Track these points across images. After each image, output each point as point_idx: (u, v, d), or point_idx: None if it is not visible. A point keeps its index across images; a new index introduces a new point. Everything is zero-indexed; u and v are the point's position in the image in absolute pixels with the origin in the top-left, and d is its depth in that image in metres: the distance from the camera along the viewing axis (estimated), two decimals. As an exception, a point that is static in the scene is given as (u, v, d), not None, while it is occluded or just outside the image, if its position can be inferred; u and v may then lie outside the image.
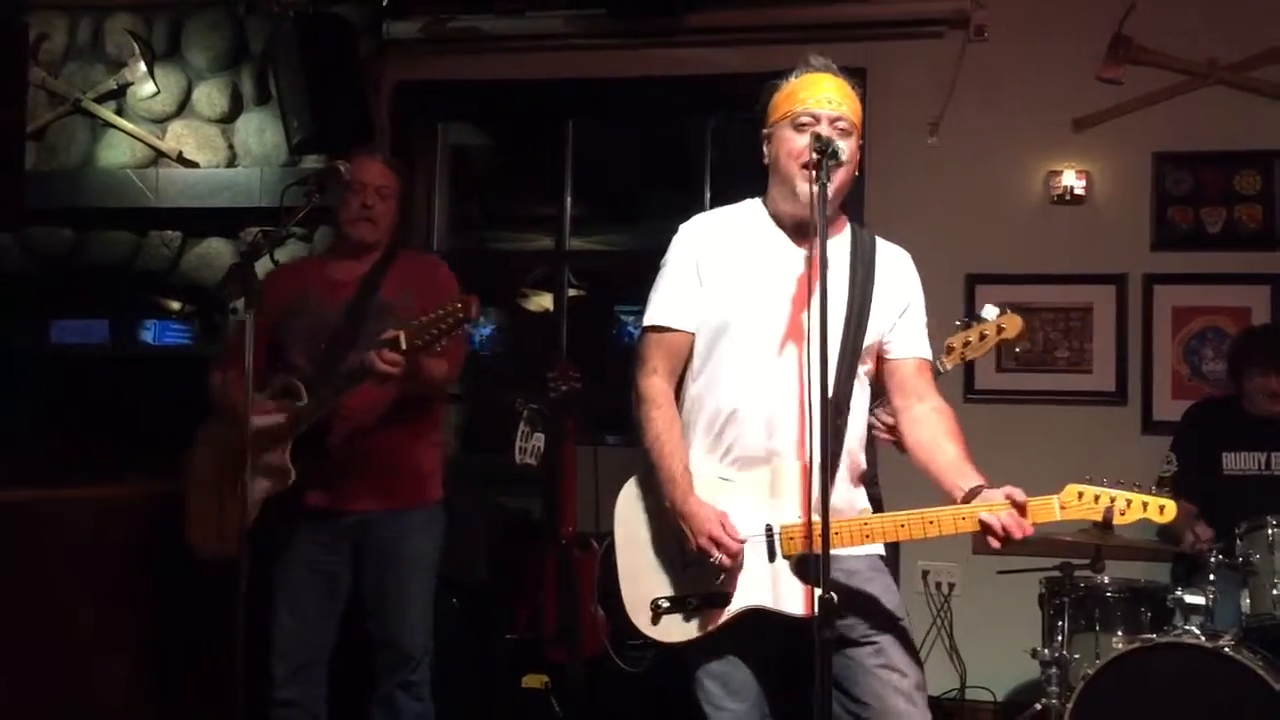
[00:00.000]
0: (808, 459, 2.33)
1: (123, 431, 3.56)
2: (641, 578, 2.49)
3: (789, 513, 2.37)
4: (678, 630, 2.44)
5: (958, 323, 3.11)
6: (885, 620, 2.43)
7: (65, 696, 3.58)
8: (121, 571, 3.62)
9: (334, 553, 3.33)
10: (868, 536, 2.35)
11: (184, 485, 3.44)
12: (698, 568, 2.40)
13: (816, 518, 2.18)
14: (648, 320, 2.55)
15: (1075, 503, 2.28)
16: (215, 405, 3.42)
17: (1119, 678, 3.45)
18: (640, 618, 2.47)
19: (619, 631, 4.29)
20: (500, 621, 4.37)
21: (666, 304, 2.53)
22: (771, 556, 2.38)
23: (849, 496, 2.49)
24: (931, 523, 2.31)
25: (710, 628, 2.41)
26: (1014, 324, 3.15)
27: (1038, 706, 3.77)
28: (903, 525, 2.34)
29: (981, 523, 2.25)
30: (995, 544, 2.27)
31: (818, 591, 2.14)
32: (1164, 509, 2.26)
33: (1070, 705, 3.49)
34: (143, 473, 4.05)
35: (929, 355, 2.58)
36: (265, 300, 3.40)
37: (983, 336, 3.15)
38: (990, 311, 3.18)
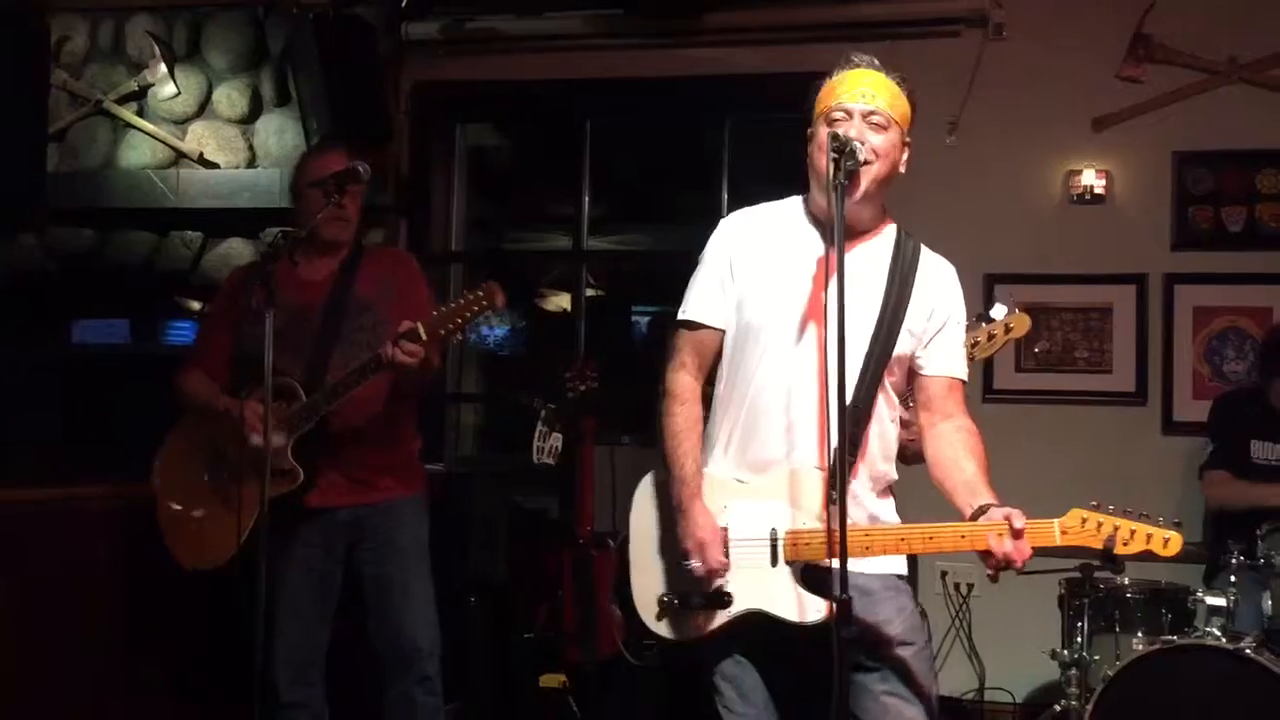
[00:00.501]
0: (825, 464, 2.33)
1: (144, 431, 3.58)
2: (650, 572, 2.49)
3: (803, 518, 2.36)
4: (680, 628, 2.44)
5: (965, 322, 3.09)
6: (894, 644, 2.40)
7: (90, 692, 3.60)
8: (143, 570, 3.63)
9: (327, 552, 3.32)
10: (867, 549, 2.32)
11: (159, 500, 3.41)
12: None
13: (826, 526, 2.18)
14: (681, 314, 2.55)
15: (1077, 528, 2.24)
16: (188, 408, 3.42)
17: (1139, 679, 3.43)
18: (646, 612, 2.48)
19: (636, 630, 4.30)
20: (518, 621, 4.38)
21: (699, 300, 2.53)
22: (774, 562, 2.37)
23: (870, 508, 2.45)
24: (931, 539, 2.30)
25: (711, 628, 2.41)
26: (1022, 323, 3.12)
27: (1057, 708, 3.76)
28: (902, 539, 2.33)
29: (989, 549, 2.22)
30: (991, 573, 2.25)
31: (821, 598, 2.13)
32: (1168, 542, 2.23)
33: (1090, 707, 3.47)
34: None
35: (963, 375, 2.52)
36: (230, 299, 3.42)
37: (990, 337, 3.11)
38: (999, 310, 3.14)
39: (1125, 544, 2.23)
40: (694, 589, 2.41)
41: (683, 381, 2.52)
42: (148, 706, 3.76)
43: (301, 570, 3.28)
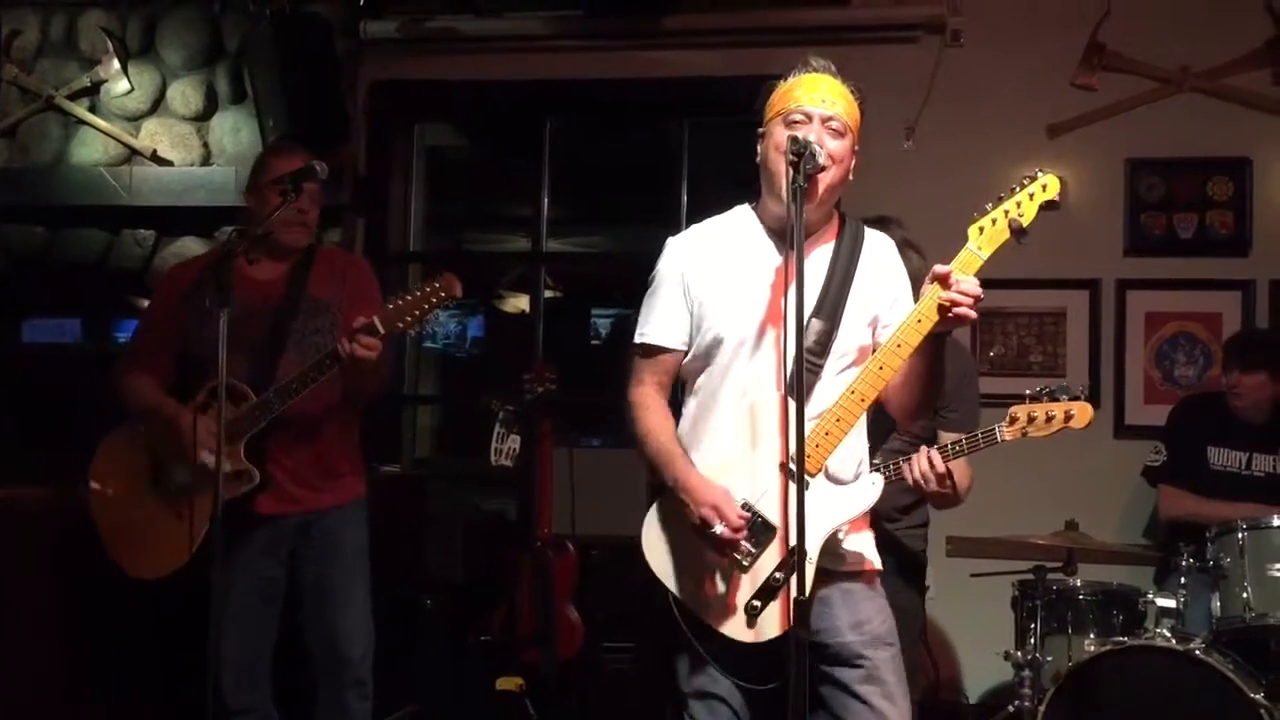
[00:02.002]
0: (785, 457, 2.33)
1: (95, 431, 3.53)
2: (718, 596, 2.40)
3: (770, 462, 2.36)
4: (779, 618, 2.34)
5: (1027, 392, 3.00)
6: (877, 644, 2.42)
7: (30, 697, 3.54)
8: (85, 575, 3.58)
9: (273, 556, 3.30)
10: (862, 400, 2.33)
11: (96, 507, 3.34)
12: (757, 548, 2.35)
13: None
14: (637, 337, 2.57)
15: (982, 237, 2.35)
16: (132, 412, 3.37)
17: (1091, 680, 3.47)
18: (740, 632, 2.37)
19: (594, 634, 4.30)
20: (475, 623, 4.36)
21: (653, 321, 2.54)
22: (805, 486, 2.31)
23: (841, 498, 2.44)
24: (899, 345, 2.32)
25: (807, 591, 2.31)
26: (1085, 415, 2.96)
27: (1010, 709, 3.79)
28: (881, 367, 2.34)
29: (939, 308, 2.27)
30: (968, 313, 2.27)
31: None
32: (1046, 186, 2.36)
33: (1042, 708, 3.50)
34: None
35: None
36: (171, 298, 3.37)
37: (1049, 418, 2.97)
38: (1064, 391, 3.03)
39: (1022, 215, 2.36)
40: (766, 572, 2.35)
41: (644, 392, 2.55)
42: (107, 710, 3.70)
43: (248, 576, 3.25)
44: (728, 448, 2.43)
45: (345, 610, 3.33)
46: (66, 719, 3.65)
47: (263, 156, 3.50)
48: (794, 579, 2.16)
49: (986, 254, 2.34)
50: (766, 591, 2.35)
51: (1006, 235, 2.34)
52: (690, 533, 2.40)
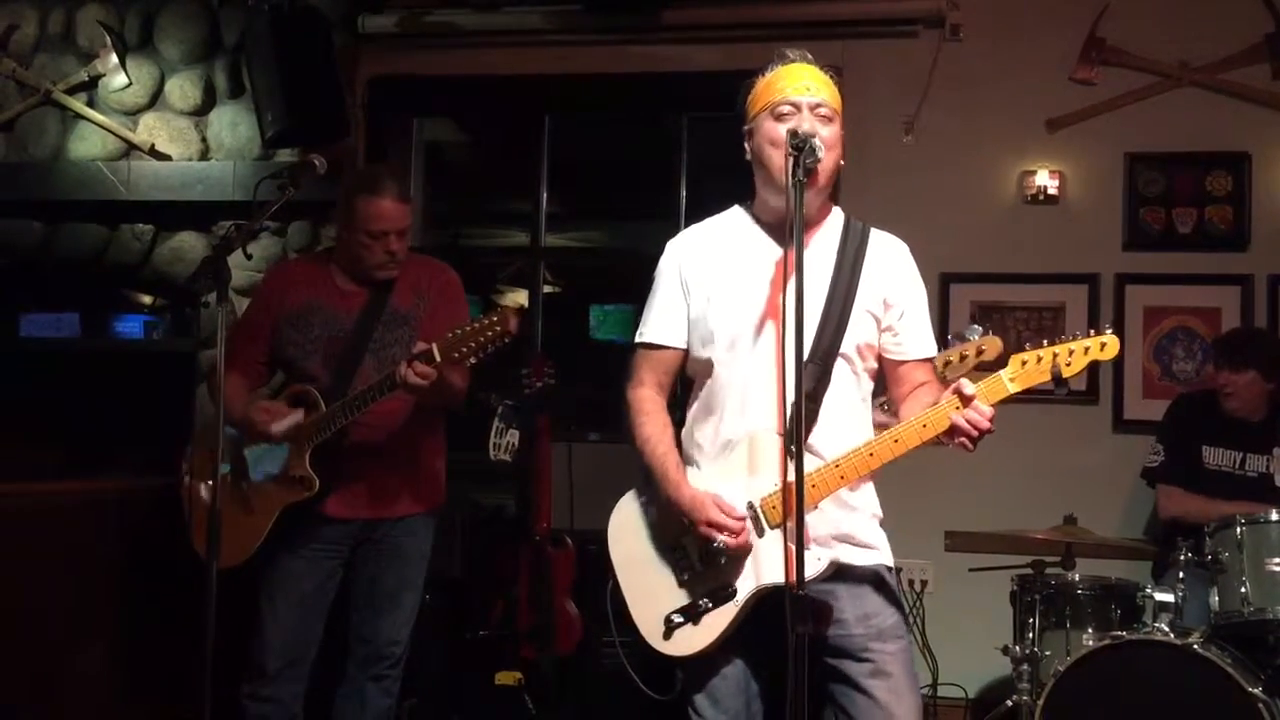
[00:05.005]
0: (783, 446, 2.32)
1: (93, 425, 3.53)
2: (648, 597, 2.45)
3: (772, 481, 2.35)
4: (695, 639, 2.40)
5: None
6: (885, 638, 2.41)
7: (35, 693, 3.55)
8: (93, 567, 3.58)
9: (336, 554, 3.35)
10: (842, 478, 2.33)
11: (188, 495, 3.39)
12: (701, 569, 2.40)
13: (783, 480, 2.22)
14: (638, 337, 2.57)
15: (1021, 371, 2.29)
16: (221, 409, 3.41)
17: (1089, 675, 3.47)
18: (655, 638, 2.43)
19: (593, 628, 4.30)
20: (474, 618, 4.37)
21: (653, 321, 2.55)
22: (761, 532, 2.36)
23: (850, 499, 2.44)
24: (897, 440, 2.31)
25: (725, 627, 2.37)
26: (994, 346, 3.14)
27: (1009, 703, 3.80)
28: (871, 454, 2.33)
29: (951, 426, 2.26)
30: (967, 444, 2.26)
31: (808, 558, 2.18)
32: (1105, 346, 2.29)
33: (1041, 702, 3.51)
34: (112, 467, 4.02)
35: (932, 352, 2.53)
36: (267, 299, 3.40)
37: (963, 358, 3.15)
38: (973, 332, 3.17)
39: (1069, 364, 2.29)
40: (698, 595, 2.39)
41: (643, 395, 2.54)
42: (112, 700, 3.70)
43: (309, 568, 3.31)
44: (722, 464, 2.44)
45: (392, 612, 3.38)
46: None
47: (352, 198, 3.31)
48: (795, 576, 2.15)
49: (1016, 389, 2.29)
50: (690, 612, 2.39)
51: (1046, 378, 2.29)
52: (653, 530, 2.46)
